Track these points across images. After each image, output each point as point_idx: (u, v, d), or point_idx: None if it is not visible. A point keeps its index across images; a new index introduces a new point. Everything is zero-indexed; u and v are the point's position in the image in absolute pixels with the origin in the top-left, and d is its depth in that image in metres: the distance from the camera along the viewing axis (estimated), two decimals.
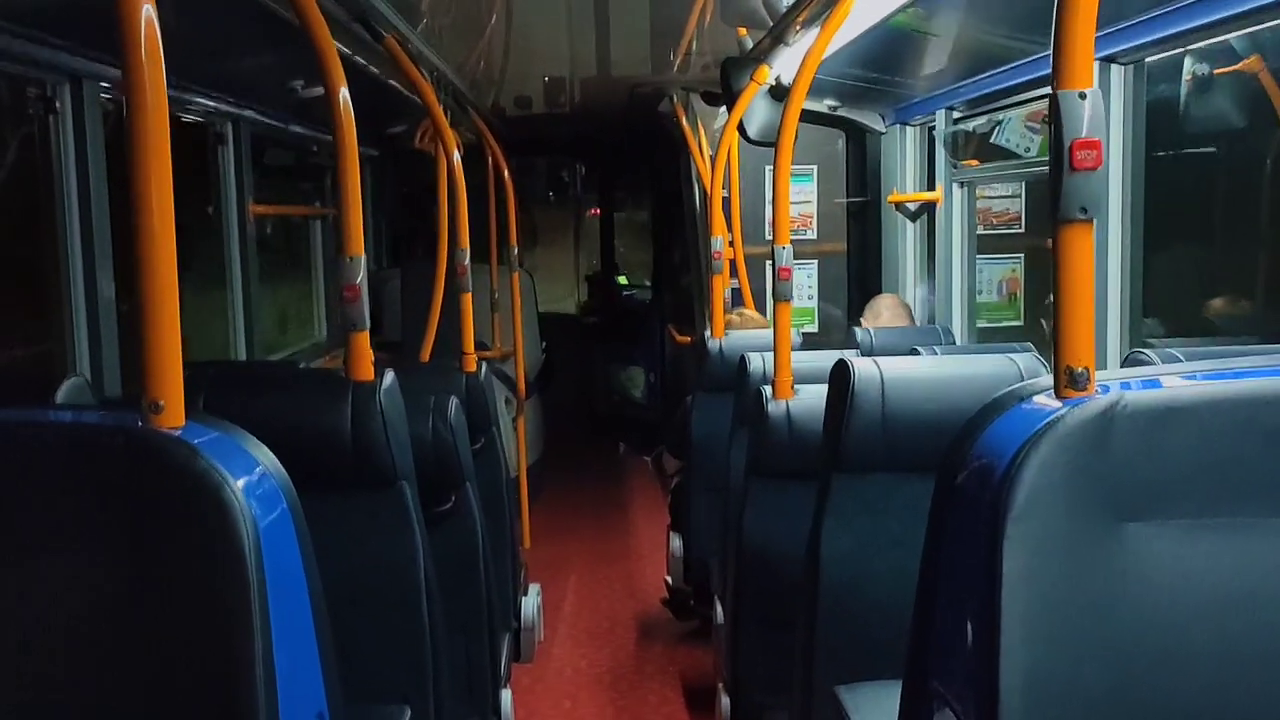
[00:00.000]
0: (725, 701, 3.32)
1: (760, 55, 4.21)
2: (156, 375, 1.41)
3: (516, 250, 6.49)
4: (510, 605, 4.12)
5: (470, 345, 4.05)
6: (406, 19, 3.73)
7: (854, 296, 5.82)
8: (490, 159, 6.27)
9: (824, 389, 2.47)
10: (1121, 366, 2.48)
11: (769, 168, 5.81)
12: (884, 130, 5.44)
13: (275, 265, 5.61)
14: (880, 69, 4.41)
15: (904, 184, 5.35)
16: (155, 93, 1.38)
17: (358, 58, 4.01)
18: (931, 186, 5.00)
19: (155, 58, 1.37)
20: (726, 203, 5.36)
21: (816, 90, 3.61)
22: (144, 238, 1.40)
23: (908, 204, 5.32)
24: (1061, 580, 1.20)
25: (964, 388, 2.33)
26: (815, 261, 5.99)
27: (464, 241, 4.12)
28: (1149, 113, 3.21)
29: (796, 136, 3.41)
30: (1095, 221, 1.29)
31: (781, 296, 3.24)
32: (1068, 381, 1.28)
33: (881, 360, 2.42)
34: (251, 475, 1.40)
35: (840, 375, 2.39)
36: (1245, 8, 2.58)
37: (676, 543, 4.84)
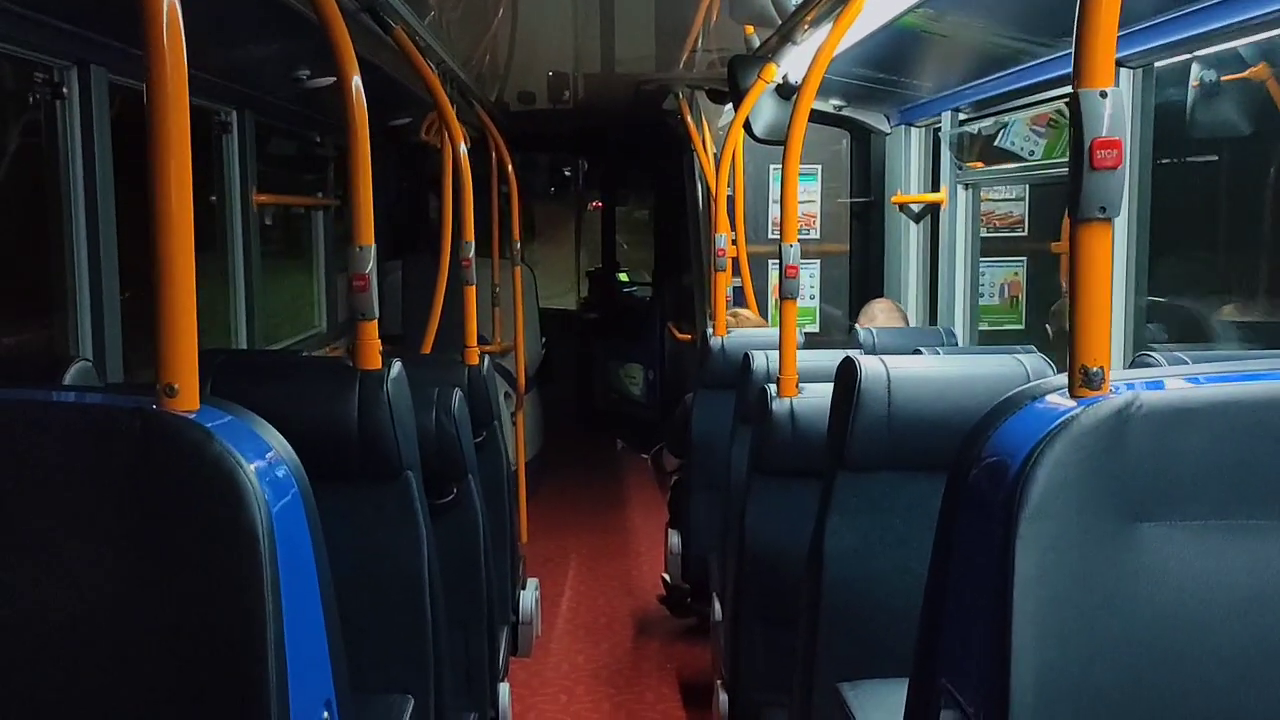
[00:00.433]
0: (724, 698, 3.31)
1: (768, 53, 4.21)
2: (171, 359, 1.41)
3: (519, 245, 6.49)
4: (509, 599, 4.12)
5: (474, 338, 4.04)
6: (415, 11, 3.73)
7: (855, 297, 5.82)
8: (494, 153, 6.26)
9: (828, 387, 2.47)
10: (1127, 369, 2.48)
11: (772, 167, 5.83)
12: (889, 131, 5.43)
13: (275, 256, 5.60)
14: (887, 69, 4.40)
15: (908, 185, 5.35)
16: (176, 77, 1.38)
17: (363, 49, 4.00)
18: (935, 188, 5.00)
19: (176, 40, 1.37)
20: (730, 201, 5.36)
21: (823, 90, 3.60)
22: (162, 222, 1.40)
23: (911, 205, 5.32)
24: (1074, 579, 1.20)
25: (970, 387, 2.33)
26: (818, 261, 5.99)
27: (469, 234, 4.12)
28: (1156, 117, 3.21)
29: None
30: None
31: (788, 294, 3.24)
32: (1083, 380, 1.27)
33: (888, 359, 2.42)
34: (265, 459, 1.40)
35: (846, 373, 2.39)
36: (1255, 14, 2.59)
37: (675, 540, 4.83)
